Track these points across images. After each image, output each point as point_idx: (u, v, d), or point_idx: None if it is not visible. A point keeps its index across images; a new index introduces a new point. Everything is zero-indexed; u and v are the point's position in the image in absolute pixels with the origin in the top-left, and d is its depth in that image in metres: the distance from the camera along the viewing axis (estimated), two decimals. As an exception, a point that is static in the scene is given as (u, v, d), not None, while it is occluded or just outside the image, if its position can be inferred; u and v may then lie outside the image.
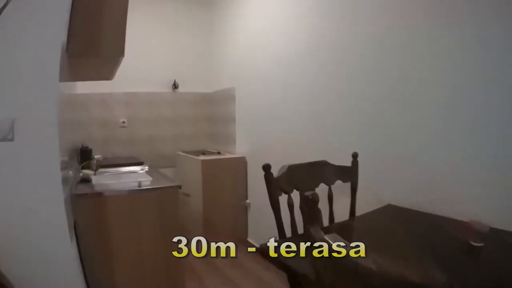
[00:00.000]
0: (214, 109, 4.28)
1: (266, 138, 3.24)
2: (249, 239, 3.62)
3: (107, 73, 2.57)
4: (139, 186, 2.19)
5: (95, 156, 3.51)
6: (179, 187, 2.24)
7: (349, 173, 1.91)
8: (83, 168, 2.58)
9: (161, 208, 2.17)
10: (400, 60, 1.93)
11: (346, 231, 1.60)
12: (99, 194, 2.05)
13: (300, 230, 1.47)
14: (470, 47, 1.57)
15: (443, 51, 1.69)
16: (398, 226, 1.54)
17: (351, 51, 2.25)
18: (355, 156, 1.95)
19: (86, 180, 2.35)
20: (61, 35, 1.52)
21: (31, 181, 1.44)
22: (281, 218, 1.58)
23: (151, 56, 4.02)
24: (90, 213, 1.99)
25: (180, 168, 4.01)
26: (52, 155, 1.49)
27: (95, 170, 2.84)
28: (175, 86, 4.13)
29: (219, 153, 3.86)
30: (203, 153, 3.78)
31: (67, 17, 1.60)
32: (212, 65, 4.30)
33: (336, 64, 2.38)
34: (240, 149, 3.73)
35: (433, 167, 1.75)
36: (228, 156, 3.67)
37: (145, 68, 3.95)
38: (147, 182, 2.22)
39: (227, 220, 3.55)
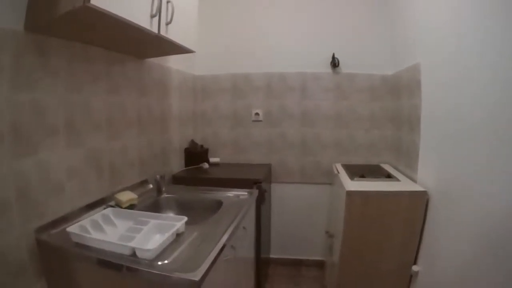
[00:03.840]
0: (397, 103, 2.71)
1: (478, 164, 1.53)
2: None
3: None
4: (133, 256, 1.19)
5: (211, 159, 2.70)
6: (195, 284, 1.04)
7: None
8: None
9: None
10: None
11: None
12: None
13: None
14: None
15: None
16: None
17: None
18: None
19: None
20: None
21: None
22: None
23: (297, 22, 2.88)
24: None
25: (332, 189, 2.76)
26: None
27: (160, 192, 1.95)
28: (334, 63, 2.78)
29: (389, 176, 2.34)
30: (364, 175, 2.35)
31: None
32: (389, 33, 2.78)
33: None
34: (424, 175, 2.10)
35: None
36: (397, 187, 2.11)
37: (289, 39, 2.88)
38: (147, 253, 1.17)
39: None
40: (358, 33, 2.81)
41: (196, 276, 1.04)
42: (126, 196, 1.68)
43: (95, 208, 1.58)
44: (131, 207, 1.67)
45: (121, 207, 1.62)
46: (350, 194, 2.04)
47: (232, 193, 2.08)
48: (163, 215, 1.54)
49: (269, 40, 2.90)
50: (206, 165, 2.68)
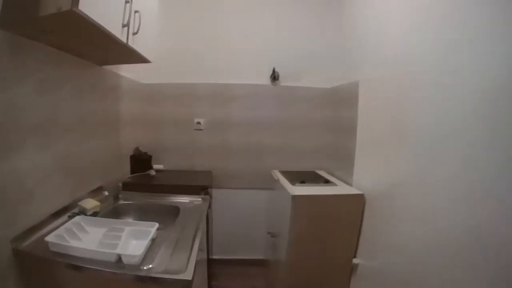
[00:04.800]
0: (333, 114, 3.02)
1: (406, 168, 1.84)
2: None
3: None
4: (118, 262, 1.25)
5: (154, 166, 2.74)
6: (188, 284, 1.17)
7: None
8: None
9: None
10: None
11: None
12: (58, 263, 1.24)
13: None
14: None
15: None
16: None
17: None
18: None
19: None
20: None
21: None
22: None
23: (241, 36, 3.05)
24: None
25: (273, 194, 2.96)
26: None
27: (116, 199, 1.98)
28: (274, 76, 3.00)
29: (327, 182, 2.60)
30: (304, 181, 2.58)
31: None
32: (330, 51, 3.07)
33: None
34: (359, 180, 2.41)
35: None
36: (336, 191, 2.38)
37: (232, 51, 3.05)
38: (132, 258, 1.24)
39: (321, 282, 2.38)
40: (300, 49, 3.06)
41: (188, 276, 1.16)
42: (90, 204, 1.70)
43: (61, 215, 1.58)
44: (95, 214, 1.69)
45: (85, 215, 1.64)
46: (295, 198, 2.24)
47: (185, 199, 2.19)
48: (135, 221, 1.60)
49: (215, 53, 3.02)
50: (153, 172, 2.73)
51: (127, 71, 2.55)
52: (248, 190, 3.18)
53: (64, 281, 1.26)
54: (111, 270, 1.19)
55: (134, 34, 1.63)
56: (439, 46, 1.54)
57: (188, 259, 1.30)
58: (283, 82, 3.06)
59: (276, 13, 3.04)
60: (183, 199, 2.17)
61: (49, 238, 1.29)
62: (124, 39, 1.52)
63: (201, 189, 2.43)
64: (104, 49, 1.64)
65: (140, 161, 2.70)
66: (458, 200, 1.35)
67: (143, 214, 1.98)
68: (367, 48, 2.38)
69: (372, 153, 2.24)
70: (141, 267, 1.21)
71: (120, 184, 2.02)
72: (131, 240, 1.42)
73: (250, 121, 3.10)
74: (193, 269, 1.22)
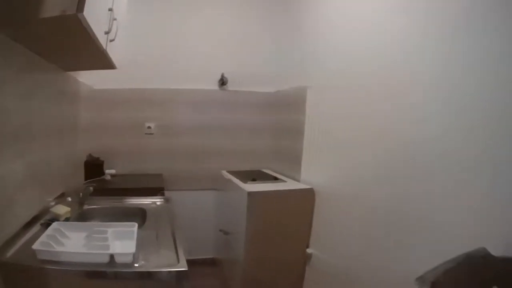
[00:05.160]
0: (278, 117, 3.26)
1: (349, 167, 2.14)
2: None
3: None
4: (111, 263, 1.29)
5: (107, 171, 2.75)
6: (184, 274, 1.30)
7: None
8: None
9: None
10: None
11: None
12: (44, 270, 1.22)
13: None
14: None
15: None
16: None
17: None
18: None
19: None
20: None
21: None
22: None
23: (192, 42, 3.15)
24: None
25: (222, 194, 3.09)
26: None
27: (81, 204, 1.99)
28: (222, 81, 3.15)
29: (275, 179, 2.81)
30: (255, 179, 2.76)
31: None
32: (277, 57, 3.32)
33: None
34: (307, 176, 2.67)
35: None
36: (289, 186, 2.62)
37: (184, 57, 3.13)
38: (126, 257, 1.30)
39: (279, 274, 2.58)
40: (248, 55, 3.26)
41: (184, 266, 1.27)
42: (62, 210, 1.71)
43: (36, 223, 1.59)
44: (67, 219, 1.71)
45: (58, 220, 1.66)
46: (251, 194, 2.42)
47: (146, 200, 2.26)
48: (114, 223, 1.64)
49: (166, 59, 3.09)
50: (108, 177, 2.73)
51: (83, 77, 2.54)
52: (197, 191, 3.29)
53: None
54: (111, 270, 1.24)
55: (112, 41, 1.68)
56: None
57: (177, 254, 1.41)
58: (231, 87, 3.22)
59: (227, 20, 3.22)
60: (145, 201, 2.24)
61: (36, 246, 1.27)
62: (104, 45, 1.57)
63: (158, 191, 2.50)
64: (79, 55, 1.67)
65: (93, 167, 2.69)
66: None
67: (111, 217, 2.00)
68: (316, 57, 2.63)
69: (320, 153, 2.49)
70: (134, 265, 1.29)
71: (91, 188, 2.03)
72: (115, 241, 1.49)
73: (199, 124, 3.22)
74: (185, 261, 1.33)
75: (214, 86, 3.22)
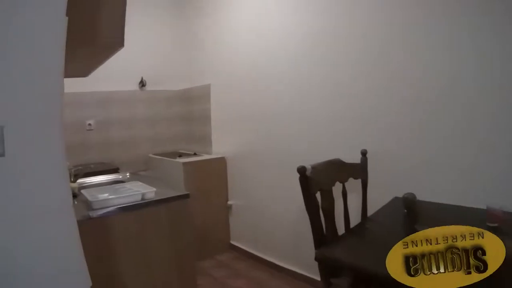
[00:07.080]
0: (189, 108, 4.27)
1: (246, 137, 3.37)
2: (232, 241, 3.71)
3: (88, 68, 2.45)
4: (143, 199, 2.01)
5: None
6: (187, 196, 2.15)
7: (359, 170, 2.04)
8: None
9: (172, 224, 2.06)
10: (400, 56, 2.12)
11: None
12: (103, 216, 1.82)
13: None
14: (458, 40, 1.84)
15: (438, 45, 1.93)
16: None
17: (339, 45, 2.46)
18: (364, 153, 2.08)
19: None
20: (62, 20, 1.15)
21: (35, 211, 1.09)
22: (321, 223, 1.61)
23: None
24: (91, 241, 1.56)
25: (156, 171, 3.95)
26: (59, 173, 1.18)
27: (74, 181, 2.73)
28: (142, 83, 4.04)
29: (195, 154, 3.86)
30: (180, 155, 3.75)
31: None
32: (185, 61, 4.29)
33: (327, 59, 2.54)
34: (217, 149, 3.79)
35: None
36: (208, 157, 3.70)
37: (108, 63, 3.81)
38: (151, 193, 2.06)
39: (210, 223, 3.59)
40: (161, 59, 4.16)
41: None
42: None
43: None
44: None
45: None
46: (185, 164, 3.39)
47: (116, 175, 3.00)
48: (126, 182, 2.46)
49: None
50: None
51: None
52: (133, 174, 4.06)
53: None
54: (147, 201, 2.02)
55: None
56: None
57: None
58: (149, 87, 4.08)
59: (143, 33, 3.98)
60: (114, 176, 2.95)
61: (91, 198, 1.91)
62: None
63: (114, 171, 3.22)
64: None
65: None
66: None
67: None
68: (217, 58, 3.70)
69: (224, 131, 3.66)
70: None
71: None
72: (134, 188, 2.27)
73: (127, 118, 3.99)
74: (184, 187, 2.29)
75: (136, 87, 4.03)
